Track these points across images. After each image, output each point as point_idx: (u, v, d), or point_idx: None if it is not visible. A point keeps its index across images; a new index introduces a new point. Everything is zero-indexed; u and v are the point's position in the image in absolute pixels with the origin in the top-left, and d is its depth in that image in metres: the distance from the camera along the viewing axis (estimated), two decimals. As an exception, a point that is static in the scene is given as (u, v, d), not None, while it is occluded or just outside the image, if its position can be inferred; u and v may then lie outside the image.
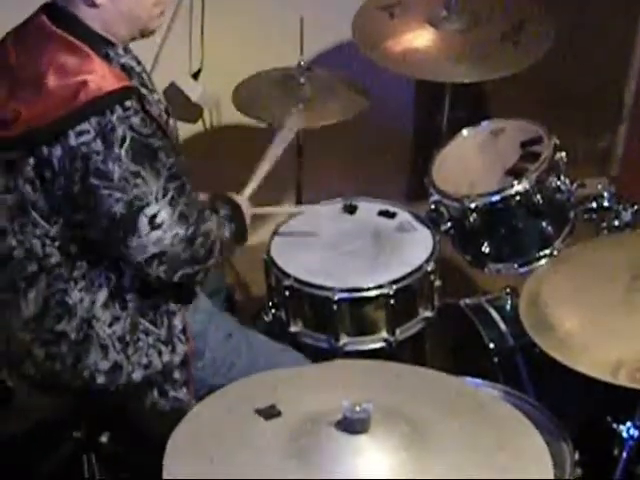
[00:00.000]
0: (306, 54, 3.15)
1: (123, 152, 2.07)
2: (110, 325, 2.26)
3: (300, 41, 3.07)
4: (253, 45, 3.40)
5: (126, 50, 2.21)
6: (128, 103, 2.08)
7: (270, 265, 2.68)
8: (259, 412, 1.79)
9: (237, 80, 3.18)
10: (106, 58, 2.14)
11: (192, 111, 3.54)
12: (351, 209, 2.85)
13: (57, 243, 2.20)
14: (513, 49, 3.01)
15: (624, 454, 2.32)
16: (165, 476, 1.69)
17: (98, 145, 2.07)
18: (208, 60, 3.42)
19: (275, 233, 2.79)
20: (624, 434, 2.34)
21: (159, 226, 2.13)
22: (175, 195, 2.14)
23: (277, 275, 2.65)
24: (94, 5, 2.13)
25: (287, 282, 2.61)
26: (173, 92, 3.49)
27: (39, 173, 2.13)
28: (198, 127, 3.59)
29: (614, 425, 2.36)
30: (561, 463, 2.20)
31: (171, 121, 2.27)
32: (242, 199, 2.53)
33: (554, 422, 2.30)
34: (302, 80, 3.12)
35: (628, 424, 2.34)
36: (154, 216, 2.12)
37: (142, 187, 2.10)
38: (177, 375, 2.33)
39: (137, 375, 2.29)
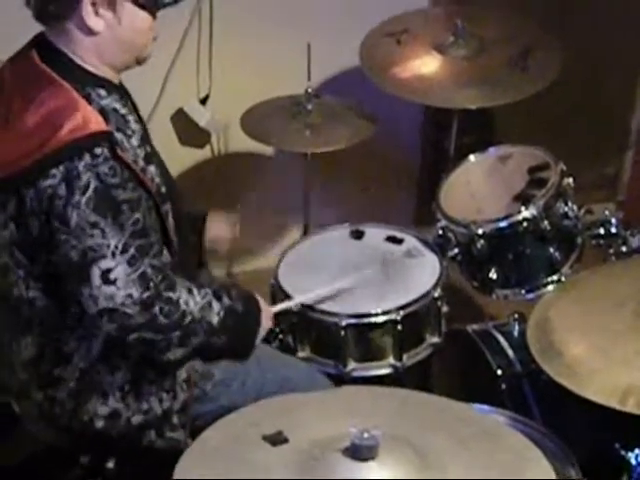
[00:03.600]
0: (314, 80, 3.16)
1: (84, 200, 2.02)
2: (111, 374, 2.23)
3: (308, 67, 3.09)
4: (261, 71, 3.41)
5: (109, 91, 2.14)
6: (98, 150, 2.03)
7: (277, 290, 2.68)
8: (266, 439, 1.78)
9: (245, 106, 3.19)
10: (87, 99, 2.08)
11: (200, 137, 3.56)
12: (358, 235, 2.86)
13: (40, 285, 2.16)
14: (520, 75, 3.02)
15: (632, 481, 2.32)
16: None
17: (62, 190, 2.03)
18: (216, 86, 3.44)
19: (283, 258, 2.78)
20: (632, 461, 2.33)
21: (112, 282, 2.05)
22: (137, 254, 2.06)
23: (284, 300, 2.64)
24: (92, 33, 2.10)
25: (294, 308, 2.61)
26: (181, 118, 3.51)
27: (18, 212, 2.11)
28: (206, 152, 3.60)
29: (622, 452, 2.35)
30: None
31: (152, 167, 2.16)
32: (267, 308, 2.41)
33: (562, 449, 2.29)
34: (310, 106, 3.13)
35: (637, 451, 2.33)
36: (108, 270, 2.05)
37: (98, 239, 2.04)
38: (175, 420, 2.31)
39: (136, 419, 2.27)
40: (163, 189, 2.19)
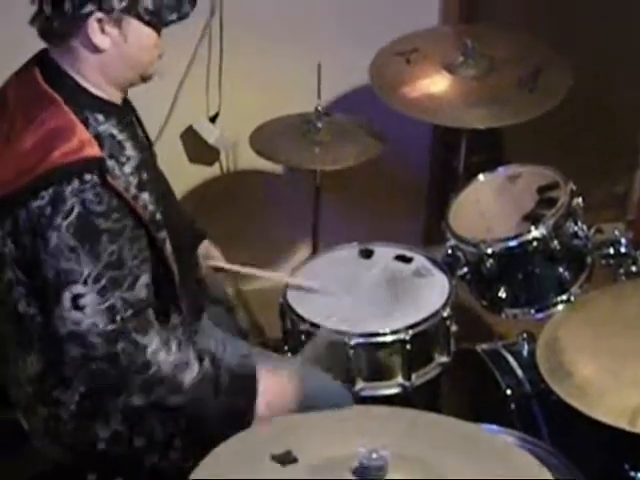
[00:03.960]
0: (323, 99, 3.17)
1: (65, 224, 2.03)
2: (114, 398, 2.20)
3: (317, 86, 3.09)
4: (270, 89, 3.43)
5: (108, 116, 2.13)
6: (87, 177, 2.03)
7: (286, 309, 2.68)
8: (275, 458, 1.78)
9: (254, 124, 3.20)
10: (84, 123, 2.08)
11: (209, 154, 3.57)
12: (367, 254, 2.85)
13: (39, 303, 2.16)
14: (529, 95, 3.02)
15: (643, 503, 2.31)
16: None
17: (48, 211, 2.04)
18: (225, 104, 3.45)
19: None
20: (642, 482, 2.33)
21: (81, 308, 2.05)
22: (108, 285, 2.05)
23: (293, 319, 2.64)
24: (97, 51, 2.10)
25: (303, 326, 2.60)
26: (190, 136, 3.51)
27: (14, 230, 2.12)
28: (215, 170, 3.61)
29: (632, 473, 2.34)
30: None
31: (145, 195, 2.14)
32: (279, 386, 2.29)
33: (571, 469, 2.28)
34: (319, 124, 3.13)
35: (646, 472, 2.33)
36: (79, 296, 2.05)
37: (73, 264, 2.04)
38: (178, 443, 2.29)
39: (138, 442, 2.26)
40: (158, 216, 2.17)
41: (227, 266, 2.71)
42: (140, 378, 2.12)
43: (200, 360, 2.20)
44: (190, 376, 2.17)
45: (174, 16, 2.15)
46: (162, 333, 2.15)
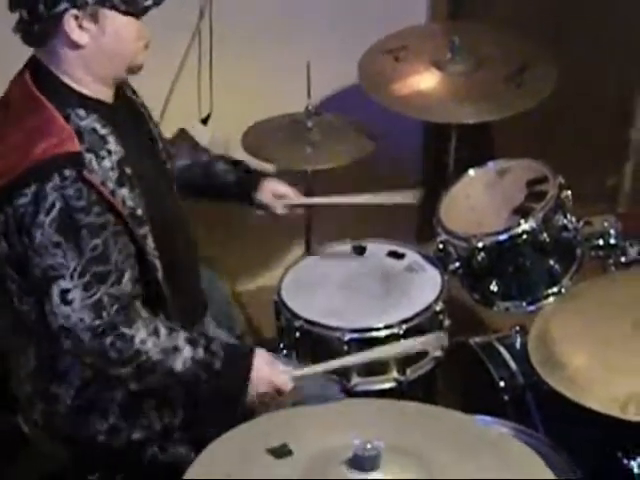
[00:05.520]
0: (314, 98, 3.18)
1: (48, 220, 2.06)
2: (109, 390, 2.26)
3: (307, 85, 3.11)
4: (261, 90, 3.44)
5: (90, 112, 2.14)
6: (67, 172, 2.06)
7: (280, 306, 2.70)
8: (271, 451, 1.80)
9: (246, 125, 3.21)
10: (66, 119, 2.11)
11: (202, 156, 3.58)
12: (360, 250, 2.87)
13: (31, 299, 2.20)
14: (516, 90, 3.04)
15: (635, 489, 2.33)
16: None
17: (30, 208, 2.07)
18: (217, 106, 3.46)
19: (285, 275, 2.81)
20: (635, 469, 2.34)
21: (69, 302, 2.08)
22: (93, 280, 2.08)
23: (287, 316, 2.67)
24: (77, 47, 2.13)
25: (297, 323, 2.63)
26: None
27: (4, 228, 2.15)
28: (208, 172, 3.62)
29: (625, 461, 2.36)
30: (572, 499, 2.22)
31: (124, 190, 2.14)
32: (273, 372, 2.26)
33: (565, 459, 2.31)
34: (310, 124, 3.15)
35: (639, 459, 2.35)
36: (66, 291, 2.08)
37: (58, 258, 2.07)
38: (177, 436, 2.32)
39: (137, 436, 2.29)
40: (139, 212, 2.17)
41: (307, 201, 2.73)
42: (131, 368, 2.15)
43: (193, 345, 2.20)
44: (181, 361, 2.18)
45: (149, 1, 2.16)
46: (150, 321, 2.17)
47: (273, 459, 1.79)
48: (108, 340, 2.11)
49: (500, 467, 1.84)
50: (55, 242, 2.07)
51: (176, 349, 2.17)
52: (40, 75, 2.17)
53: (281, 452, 1.80)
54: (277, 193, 2.70)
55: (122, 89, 2.32)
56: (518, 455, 1.91)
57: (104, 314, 2.10)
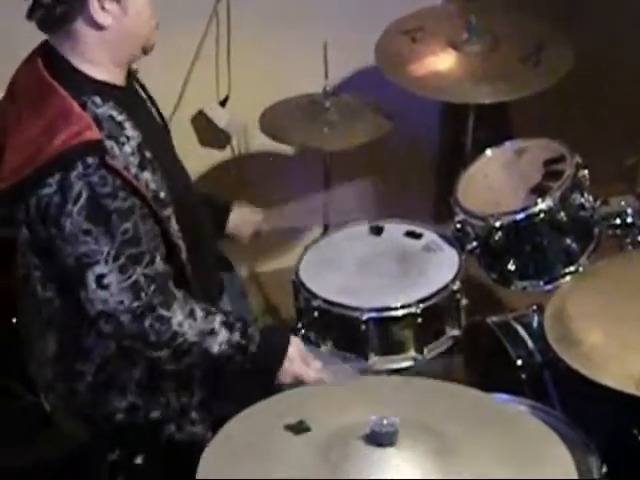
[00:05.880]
0: (331, 79, 3.20)
1: (76, 209, 2.07)
2: (128, 369, 2.28)
3: (325, 66, 3.12)
4: (279, 71, 3.46)
5: (107, 98, 2.15)
6: (90, 160, 2.07)
7: (299, 286, 2.71)
8: (289, 428, 1.82)
9: (263, 106, 3.23)
10: (83, 107, 2.11)
11: (220, 138, 3.60)
12: (378, 230, 2.89)
13: (54, 286, 2.22)
14: (533, 69, 3.06)
15: (652, 466, 2.35)
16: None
17: (57, 198, 2.08)
18: (235, 87, 3.48)
19: (304, 255, 2.82)
20: (651, 446, 2.37)
21: (106, 287, 2.10)
22: (128, 262, 2.11)
23: (306, 296, 2.68)
24: (100, 29, 2.14)
25: (316, 303, 2.64)
26: (201, 120, 3.55)
27: (26, 217, 2.17)
28: (226, 154, 3.65)
29: (640, 438, 2.38)
30: (589, 476, 2.23)
31: (146, 174, 2.16)
32: (302, 360, 2.32)
33: (581, 436, 2.31)
34: (327, 104, 3.17)
35: (655, 436, 2.37)
36: (102, 276, 2.10)
37: (91, 245, 2.08)
38: (194, 415, 2.35)
39: (155, 414, 2.32)
40: (162, 194, 2.19)
41: (265, 227, 2.74)
42: (168, 350, 2.18)
43: (230, 328, 2.23)
44: (217, 344, 2.21)
45: None
46: (186, 303, 2.20)
47: (292, 435, 1.81)
48: (147, 322, 2.14)
49: (516, 443, 1.85)
50: (85, 230, 2.09)
51: (212, 332, 2.21)
52: (53, 62, 2.18)
53: (299, 429, 1.82)
54: (242, 223, 2.71)
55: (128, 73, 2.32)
56: (534, 432, 1.92)
57: (142, 295, 2.13)
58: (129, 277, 2.11)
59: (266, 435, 1.84)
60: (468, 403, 2.00)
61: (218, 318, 2.23)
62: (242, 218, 2.71)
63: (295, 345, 2.32)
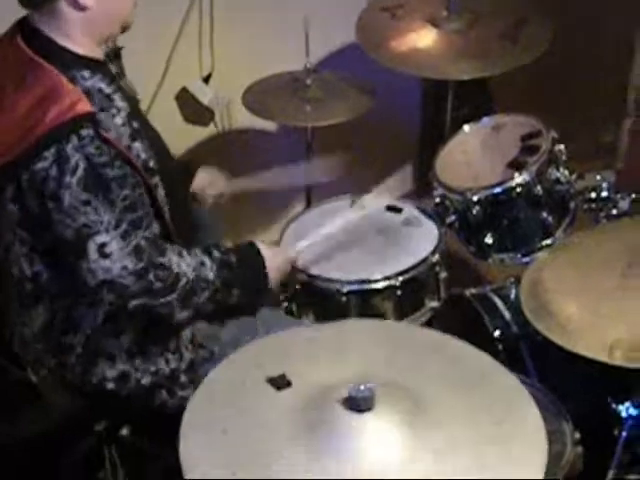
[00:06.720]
0: (312, 56, 3.22)
1: (74, 181, 2.10)
2: (116, 337, 2.31)
3: (306, 44, 3.15)
4: (261, 49, 3.47)
5: (94, 71, 2.19)
6: (84, 132, 2.10)
7: (281, 260, 2.75)
8: (270, 381, 1.86)
9: (246, 83, 3.26)
10: (72, 81, 2.14)
11: (204, 114, 3.61)
12: (359, 205, 2.91)
13: (45, 259, 2.25)
14: (512, 47, 3.08)
15: (624, 433, 2.40)
16: (181, 447, 1.77)
17: (54, 171, 2.10)
18: (218, 64, 3.50)
19: (286, 229, 2.87)
20: (623, 414, 2.41)
21: (108, 255, 2.14)
22: (129, 228, 2.15)
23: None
24: (82, 9, 2.16)
25: (297, 276, 2.68)
26: (185, 97, 3.57)
27: (17, 194, 2.19)
28: (210, 130, 3.67)
29: (614, 405, 2.43)
30: (562, 440, 2.28)
31: (137, 144, 2.20)
32: (277, 250, 2.53)
33: (555, 403, 2.37)
34: (309, 82, 3.19)
35: (627, 404, 2.42)
36: (103, 245, 2.13)
37: (91, 215, 2.12)
38: (184, 378, 2.39)
39: (145, 381, 2.35)
40: (151, 163, 2.24)
41: (228, 190, 2.80)
42: (175, 293, 2.23)
43: (209, 253, 2.32)
44: (209, 269, 2.29)
45: None
46: (173, 247, 2.27)
47: (273, 391, 1.84)
48: (151, 275, 2.19)
49: (488, 401, 1.88)
50: (84, 200, 2.11)
51: (202, 263, 2.29)
52: (36, 39, 2.19)
53: (280, 383, 1.85)
54: (205, 184, 2.77)
55: None
56: (506, 388, 1.94)
57: (144, 256, 2.18)
58: (130, 242, 2.15)
59: (248, 388, 1.87)
60: (443, 355, 2.03)
61: (197, 250, 2.31)
62: (208, 179, 2.76)
63: (261, 243, 2.44)
